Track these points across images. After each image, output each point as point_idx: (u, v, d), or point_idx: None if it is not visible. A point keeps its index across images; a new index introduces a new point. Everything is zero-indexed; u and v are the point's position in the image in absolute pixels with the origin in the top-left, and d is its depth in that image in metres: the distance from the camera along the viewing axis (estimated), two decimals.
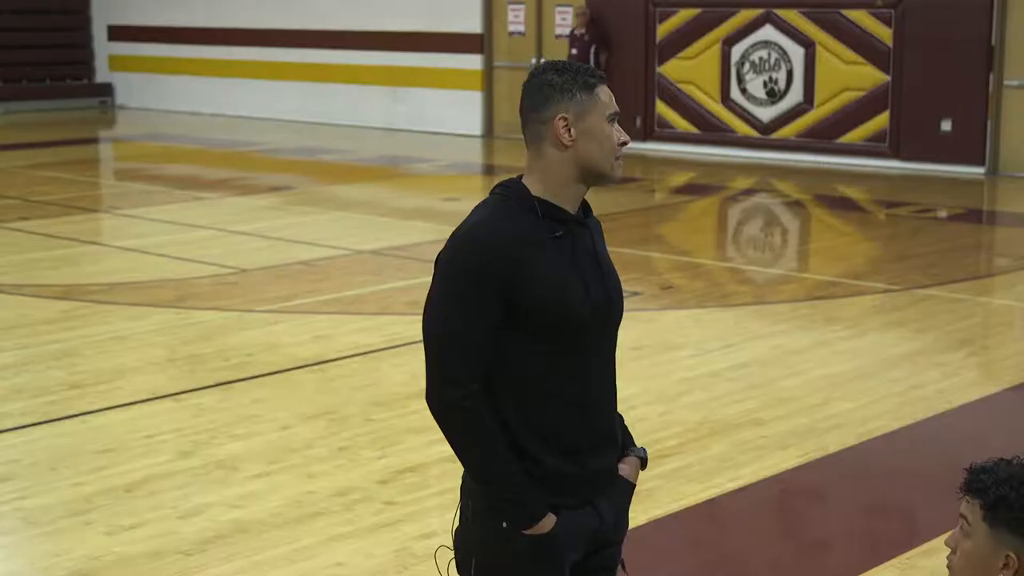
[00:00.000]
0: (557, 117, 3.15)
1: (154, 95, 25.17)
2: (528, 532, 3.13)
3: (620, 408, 3.39)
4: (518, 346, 3.12)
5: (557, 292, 3.10)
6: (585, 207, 3.26)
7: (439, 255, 3.17)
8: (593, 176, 3.18)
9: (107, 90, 26.03)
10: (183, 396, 7.53)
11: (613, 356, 3.29)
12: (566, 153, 3.15)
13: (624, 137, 3.20)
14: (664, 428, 6.94)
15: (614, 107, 3.19)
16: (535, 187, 3.17)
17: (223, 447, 6.68)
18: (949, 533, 2.87)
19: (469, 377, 3.09)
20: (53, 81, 25.72)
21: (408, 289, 9.77)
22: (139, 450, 6.64)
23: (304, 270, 10.87)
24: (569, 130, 3.15)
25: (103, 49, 26.07)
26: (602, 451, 3.25)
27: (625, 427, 3.40)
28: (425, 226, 12.30)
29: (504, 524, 3.14)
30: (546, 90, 3.16)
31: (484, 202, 3.22)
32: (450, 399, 3.10)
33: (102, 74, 26.18)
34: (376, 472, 6.33)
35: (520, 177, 3.22)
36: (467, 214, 3.23)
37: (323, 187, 15.89)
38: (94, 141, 22.08)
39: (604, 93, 3.18)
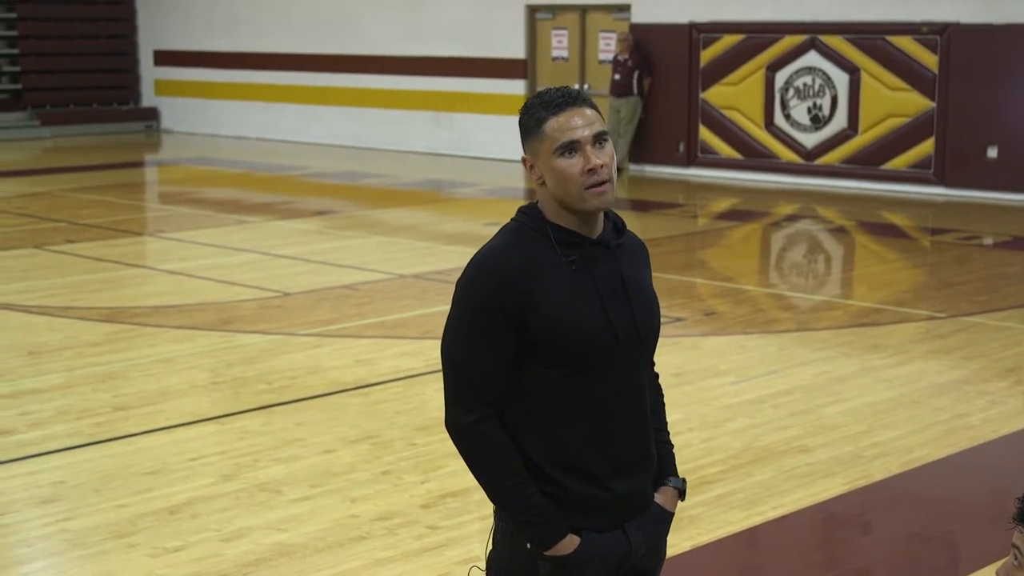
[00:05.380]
0: (523, 159, 3.19)
1: (199, 119, 25.37)
2: (549, 553, 3.14)
3: None
4: (534, 371, 3.13)
5: (568, 318, 3.09)
6: (619, 228, 3.24)
7: (458, 279, 3.19)
8: (570, 208, 3.14)
9: (153, 114, 26.25)
10: (226, 419, 7.56)
11: (644, 380, 3.26)
12: (544, 188, 3.15)
13: (590, 162, 3.08)
14: (707, 455, 6.91)
15: (566, 137, 3.08)
16: (549, 212, 3.18)
17: (266, 470, 6.70)
18: (1000, 562, 2.84)
19: (482, 402, 3.12)
20: (100, 105, 25.96)
21: None
22: (183, 473, 6.67)
23: (347, 294, 10.91)
24: (533, 169, 3.16)
25: (149, 74, 26.31)
26: (630, 476, 3.22)
27: (671, 456, 3.39)
28: (468, 251, 12.16)
29: (528, 545, 3.15)
30: (520, 131, 3.19)
31: (505, 227, 3.22)
32: (464, 423, 3.13)
33: (148, 98, 26.42)
34: (419, 496, 6.33)
35: (539, 202, 3.22)
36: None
37: (366, 211, 15.95)
38: (140, 165, 22.25)
39: (553, 125, 3.09)
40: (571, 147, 3.09)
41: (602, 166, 3.08)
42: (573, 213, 3.13)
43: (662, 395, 3.43)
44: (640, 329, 3.20)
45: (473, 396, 3.12)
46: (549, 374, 3.13)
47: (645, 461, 3.27)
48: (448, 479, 6.51)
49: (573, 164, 3.09)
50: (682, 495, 3.37)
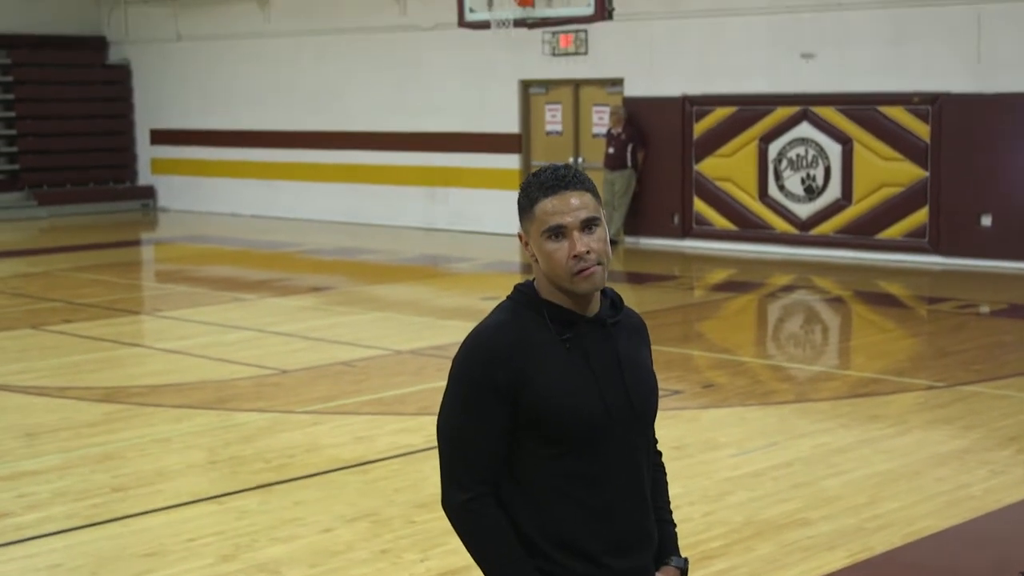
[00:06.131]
0: (519, 234, 3.21)
1: (195, 197, 25.46)
2: None
3: None
4: (529, 449, 3.12)
5: (561, 396, 3.09)
6: (616, 305, 3.24)
7: (453, 357, 3.19)
8: (560, 289, 3.14)
9: (149, 193, 26.36)
10: (225, 499, 7.52)
11: (641, 457, 3.24)
12: (538, 266, 3.17)
13: (575, 248, 3.08)
14: (708, 529, 6.87)
15: (554, 221, 3.09)
16: (544, 290, 3.18)
17: (265, 551, 6.65)
18: None
19: (477, 480, 3.12)
20: (96, 185, 26.07)
21: None
22: (181, 554, 6.62)
23: (345, 371, 10.89)
24: (528, 246, 3.18)
25: (145, 153, 26.45)
26: (628, 554, 3.19)
27: (673, 535, 3.37)
28: (465, 325, 12.18)
29: None
30: (517, 208, 3.20)
31: (500, 305, 3.24)
32: (458, 502, 3.13)
33: (144, 177, 26.54)
34: (418, 575, 6.28)
35: (535, 279, 3.23)
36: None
37: (363, 287, 15.96)
38: (136, 243, 22.30)
39: (543, 207, 3.10)
40: (558, 231, 3.10)
41: (588, 252, 3.09)
42: (565, 293, 3.14)
43: (664, 473, 3.41)
44: (635, 407, 3.19)
45: (468, 474, 3.12)
46: (543, 451, 3.12)
47: (644, 539, 3.24)
48: (448, 557, 6.46)
49: (559, 249, 3.10)
50: (684, 575, 3.34)
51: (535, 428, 3.10)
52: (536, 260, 3.16)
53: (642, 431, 3.24)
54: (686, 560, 3.35)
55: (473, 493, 3.11)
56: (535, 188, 3.14)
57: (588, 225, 3.11)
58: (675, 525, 3.39)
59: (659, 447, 3.43)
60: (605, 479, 3.16)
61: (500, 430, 3.10)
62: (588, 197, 3.13)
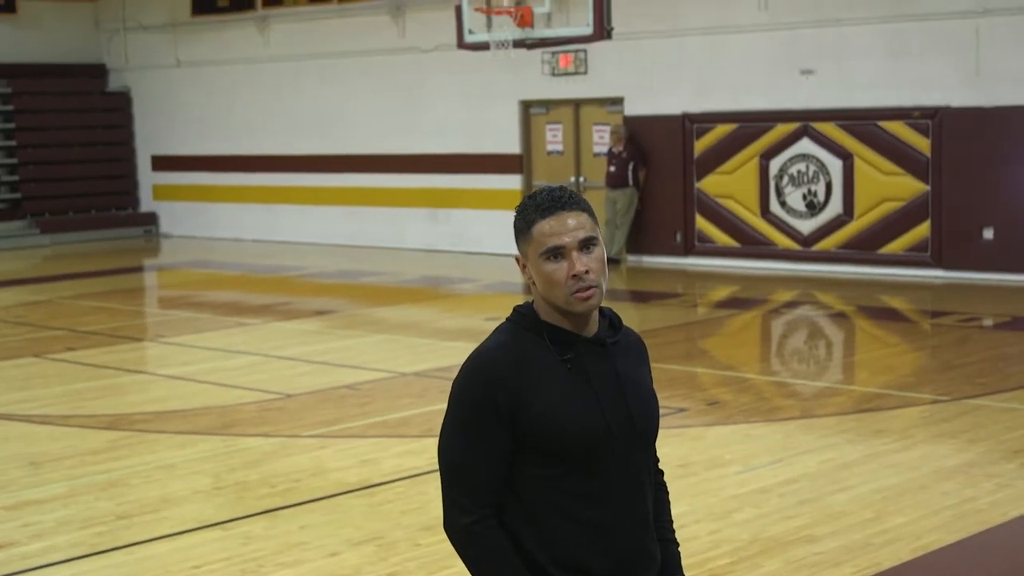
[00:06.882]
0: (516, 258, 3.21)
1: (197, 223, 25.49)
2: None
3: None
4: (531, 470, 3.13)
5: (563, 417, 3.09)
6: (615, 325, 3.24)
7: (453, 380, 3.20)
8: (558, 310, 3.15)
9: (151, 219, 26.38)
10: (230, 524, 7.51)
11: (643, 476, 3.24)
12: (536, 287, 3.17)
13: (574, 268, 3.09)
14: (715, 547, 6.85)
15: (552, 242, 3.10)
16: (543, 312, 3.18)
17: None
18: None
19: (478, 503, 3.12)
20: (98, 212, 26.10)
21: None
22: None
23: (349, 394, 10.88)
24: (525, 269, 3.18)
25: (147, 179, 26.48)
26: (630, 573, 3.19)
27: (677, 555, 3.36)
28: (468, 347, 12.15)
29: None
30: (514, 231, 3.20)
31: (499, 327, 3.24)
32: (461, 525, 3.14)
33: (146, 203, 26.57)
34: None
35: (533, 301, 3.23)
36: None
37: (366, 310, 15.96)
38: (139, 270, 22.32)
39: (541, 229, 3.11)
40: (557, 252, 3.11)
41: (587, 272, 3.10)
42: (563, 314, 3.14)
43: (666, 492, 3.41)
44: (637, 425, 3.20)
45: (470, 496, 3.12)
46: (545, 471, 3.12)
47: (646, 559, 3.24)
48: None
49: (558, 269, 3.11)
50: None
51: (536, 448, 3.10)
52: (534, 283, 3.17)
53: (643, 449, 3.24)
54: None
55: (475, 516, 3.11)
56: (532, 210, 3.14)
57: (586, 245, 3.12)
58: (678, 544, 3.38)
59: (663, 465, 3.43)
60: (607, 498, 3.16)
61: (501, 451, 3.10)
62: (585, 217, 3.14)
